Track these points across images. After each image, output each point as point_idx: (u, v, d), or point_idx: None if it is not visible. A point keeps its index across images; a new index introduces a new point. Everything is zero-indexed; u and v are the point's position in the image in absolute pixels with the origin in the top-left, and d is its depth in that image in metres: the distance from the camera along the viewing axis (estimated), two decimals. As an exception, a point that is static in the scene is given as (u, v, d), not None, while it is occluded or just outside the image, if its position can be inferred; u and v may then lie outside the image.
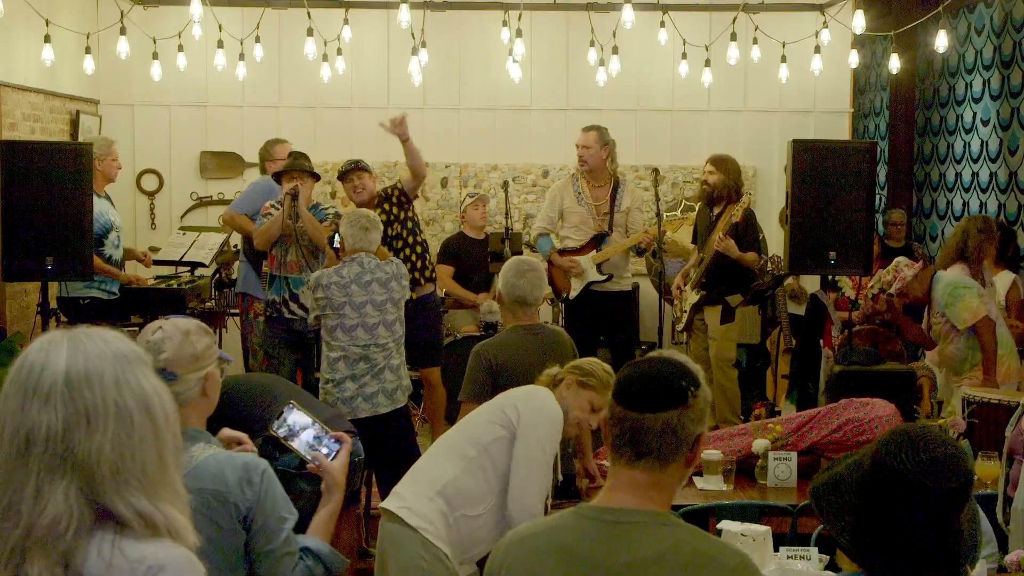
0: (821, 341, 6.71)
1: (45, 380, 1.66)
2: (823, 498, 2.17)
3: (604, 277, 7.30)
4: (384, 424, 5.53)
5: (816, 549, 3.78)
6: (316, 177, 6.71)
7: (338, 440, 2.87)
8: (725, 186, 7.27)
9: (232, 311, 7.69)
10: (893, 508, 2.04)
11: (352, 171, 6.89)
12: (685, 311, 7.47)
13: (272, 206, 6.68)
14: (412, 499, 3.72)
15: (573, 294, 7.31)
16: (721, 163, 7.35)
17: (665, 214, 8.11)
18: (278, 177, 6.62)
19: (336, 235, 6.33)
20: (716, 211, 7.33)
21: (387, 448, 5.45)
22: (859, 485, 2.10)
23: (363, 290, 5.59)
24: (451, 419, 7.04)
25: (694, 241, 7.66)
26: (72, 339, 1.71)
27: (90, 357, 1.69)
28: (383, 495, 5.40)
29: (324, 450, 2.83)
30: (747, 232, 7.29)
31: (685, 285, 7.52)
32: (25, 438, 1.64)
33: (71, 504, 1.62)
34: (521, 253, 8.41)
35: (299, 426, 2.84)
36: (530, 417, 3.75)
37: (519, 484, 3.68)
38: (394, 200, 6.90)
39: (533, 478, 3.68)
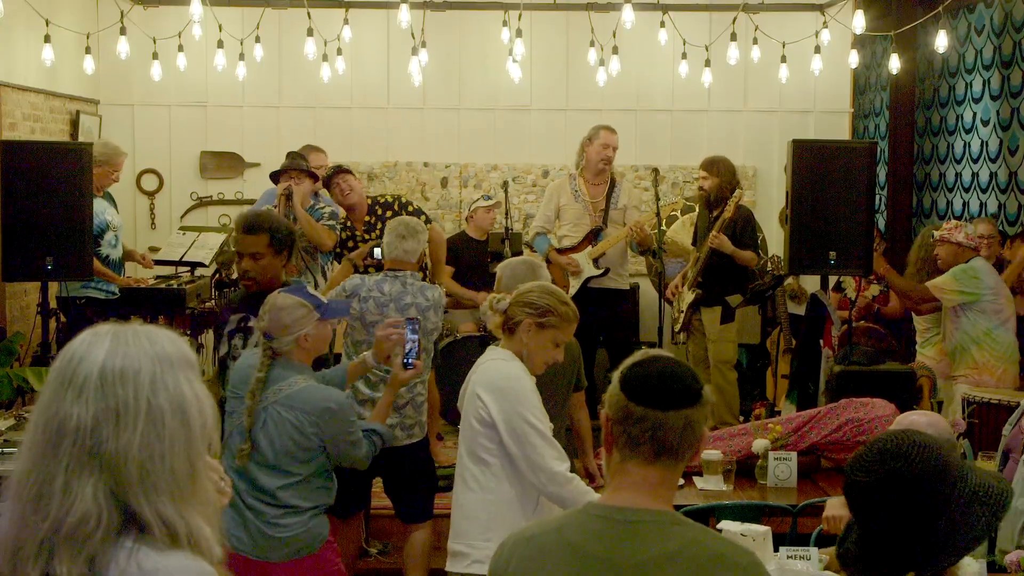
0: (821, 341, 6.72)
1: (80, 372, 1.64)
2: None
3: (600, 271, 7.31)
4: (400, 453, 5.18)
5: (816, 549, 3.78)
6: (314, 177, 6.71)
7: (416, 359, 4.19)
8: (720, 188, 7.26)
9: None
10: (852, 511, 2.21)
11: (337, 175, 6.90)
12: (682, 311, 7.47)
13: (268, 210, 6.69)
14: (477, 553, 3.58)
15: (571, 292, 7.32)
16: (712, 166, 7.33)
17: (666, 216, 8.11)
18: (275, 177, 6.62)
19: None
20: (715, 213, 7.33)
21: (403, 477, 5.18)
22: None
23: (399, 313, 5.12)
24: (448, 415, 7.05)
25: (694, 243, 7.66)
26: (116, 334, 1.69)
27: (130, 354, 1.66)
28: (398, 513, 5.37)
29: (410, 359, 4.16)
30: (745, 231, 7.28)
31: (683, 286, 7.52)
32: (56, 429, 1.62)
33: (100, 503, 1.59)
34: (521, 253, 8.42)
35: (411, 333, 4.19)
36: (503, 419, 3.56)
37: (532, 468, 3.53)
38: (398, 211, 6.91)
39: (540, 451, 3.53)
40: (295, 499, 3.86)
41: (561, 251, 7.46)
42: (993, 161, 8.67)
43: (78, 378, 1.64)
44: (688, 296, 7.40)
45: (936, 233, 6.64)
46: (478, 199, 7.93)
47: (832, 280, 7.56)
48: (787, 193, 6.64)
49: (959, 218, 9.02)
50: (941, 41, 7.65)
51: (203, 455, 1.70)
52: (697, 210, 7.76)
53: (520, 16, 7.87)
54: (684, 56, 8.35)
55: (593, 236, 7.37)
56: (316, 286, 6.64)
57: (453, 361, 7.03)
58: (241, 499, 3.86)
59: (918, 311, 6.85)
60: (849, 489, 2.14)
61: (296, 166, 6.61)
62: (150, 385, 1.65)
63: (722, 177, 7.27)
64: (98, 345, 1.66)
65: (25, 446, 1.66)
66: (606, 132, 7.39)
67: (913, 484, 2.06)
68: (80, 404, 1.62)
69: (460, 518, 3.67)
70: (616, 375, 2.14)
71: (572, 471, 5.13)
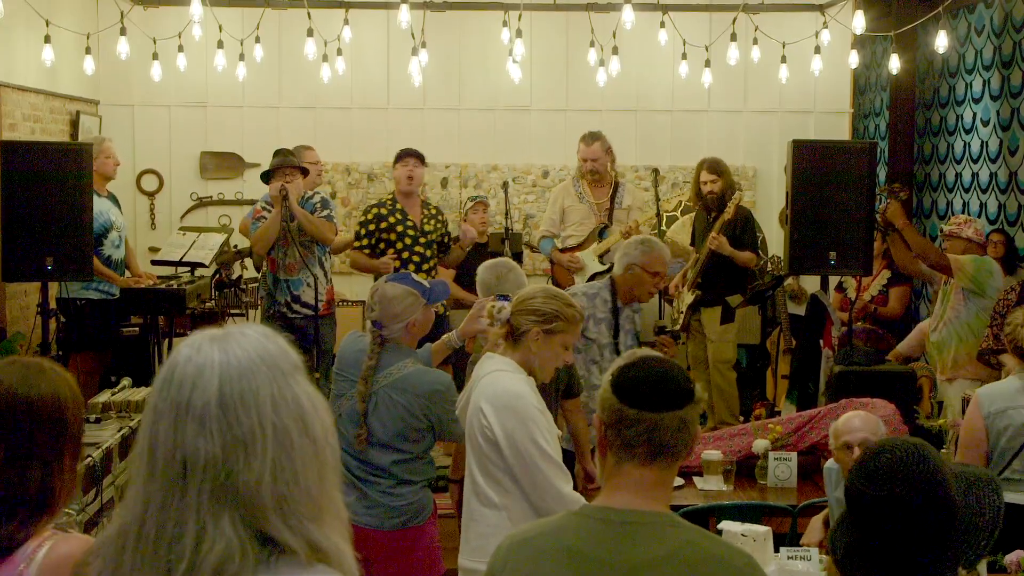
0: (821, 341, 6.71)
1: (197, 400, 1.54)
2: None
3: (605, 267, 7.32)
4: None
5: (816, 549, 3.78)
6: (304, 172, 6.71)
7: None
8: (724, 189, 7.31)
9: (232, 311, 7.70)
10: (850, 515, 2.14)
11: (408, 156, 6.91)
12: (682, 311, 7.48)
13: (263, 208, 6.68)
14: None
15: None
16: (718, 168, 7.40)
17: (665, 215, 8.13)
18: (266, 178, 6.61)
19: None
20: (713, 214, 7.34)
21: None
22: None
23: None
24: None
25: (692, 244, 7.67)
26: (224, 349, 1.58)
27: (244, 372, 1.56)
28: None
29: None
30: (744, 232, 7.30)
31: (683, 286, 7.53)
32: (182, 463, 1.53)
33: (241, 537, 1.51)
34: (521, 253, 8.42)
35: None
36: (507, 438, 3.48)
37: (536, 488, 3.47)
38: (440, 221, 6.92)
39: (544, 473, 3.46)
40: (406, 474, 4.09)
41: (565, 251, 7.47)
42: (993, 161, 8.66)
43: (196, 407, 1.54)
44: (688, 297, 7.41)
45: (945, 227, 6.63)
46: (465, 200, 7.95)
47: (834, 280, 7.57)
48: (787, 193, 6.64)
49: (959, 218, 9.02)
50: (941, 41, 7.64)
51: (329, 464, 1.60)
52: (695, 212, 7.78)
53: (520, 16, 7.86)
54: (684, 56, 8.34)
55: (598, 233, 7.38)
56: (316, 279, 6.64)
57: (454, 361, 7.03)
58: (354, 475, 4.05)
59: (918, 272, 6.73)
60: (849, 494, 2.13)
61: (287, 163, 6.60)
62: (272, 405, 1.55)
63: (726, 178, 7.35)
64: (208, 366, 1.56)
65: (140, 481, 1.55)
66: (582, 145, 7.47)
67: (913, 512, 2.06)
68: (204, 438, 1.52)
69: (475, 535, 3.57)
70: (607, 377, 2.14)
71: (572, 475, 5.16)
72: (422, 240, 6.85)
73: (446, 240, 7.02)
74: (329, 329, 6.82)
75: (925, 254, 6.42)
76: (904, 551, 2.06)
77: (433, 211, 7.02)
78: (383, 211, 6.89)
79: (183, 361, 1.58)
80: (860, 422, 3.93)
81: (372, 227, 6.87)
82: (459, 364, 5.17)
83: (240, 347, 1.59)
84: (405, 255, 6.80)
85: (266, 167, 6.76)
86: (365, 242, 6.89)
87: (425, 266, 6.80)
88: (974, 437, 4.37)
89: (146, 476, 1.55)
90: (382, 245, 6.86)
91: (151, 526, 1.52)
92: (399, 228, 6.82)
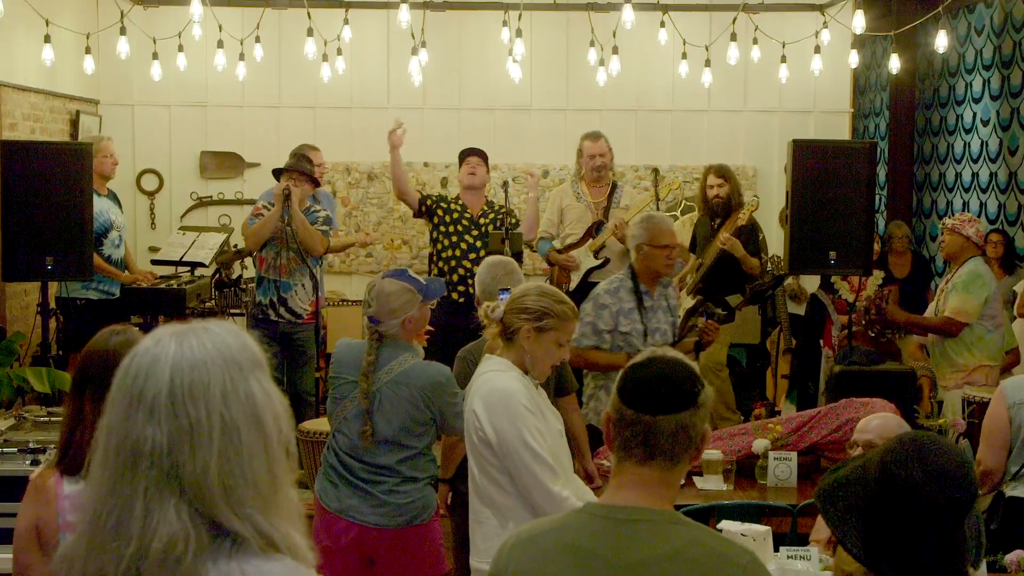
0: (821, 341, 6.72)
1: (149, 390, 1.57)
2: (828, 501, 2.18)
3: (600, 261, 7.31)
4: None
5: (816, 549, 3.77)
6: (315, 183, 6.71)
7: None
8: (730, 193, 7.30)
9: (232, 311, 7.69)
10: (901, 515, 2.07)
11: (471, 155, 6.97)
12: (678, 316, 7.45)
13: (264, 207, 6.69)
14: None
15: (572, 285, 7.32)
16: (725, 172, 7.38)
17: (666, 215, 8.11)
18: (278, 174, 6.62)
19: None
20: (717, 221, 7.32)
21: None
22: (866, 491, 2.13)
23: None
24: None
25: (691, 249, 7.63)
26: (180, 342, 1.60)
27: (197, 365, 1.58)
28: None
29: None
30: (749, 241, 7.28)
31: (680, 290, 7.50)
32: (131, 451, 1.56)
33: (185, 524, 1.53)
34: (521, 253, 8.40)
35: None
36: (497, 437, 3.47)
37: (527, 488, 3.46)
38: (499, 222, 6.91)
39: (533, 472, 3.45)
40: (411, 471, 4.09)
41: (563, 250, 7.47)
42: (993, 161, 8.67)
43: (147, 397, 1.56)
44: (688, 301, 7.38)
45: (948, 221, 6.62)
46: None
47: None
48: (787, 193, 6.64)
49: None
50: (941, 41, 7.64)
51: (282, 461, 1.63)
52: (698, 214, 7.75)
53: (520, 16, 7.86)
54: (684, 56, 8.34)
55: (595, 229, 7.38)
56: (315, 287, 6.64)
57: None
58: (359, 477, 4.05)
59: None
60: (950, 512, 2.08)
61: (300, 168, 6.61)
62: (222, 398, 1.58)
63: (733, 183, 7.34)
64: (162, 356, 1.59)
65: (96, 468, 1.59)
66: (588, 142, 7.41)
67: (967, 509, 2.07)
68: (153, 425, 1.55)
69: (480, 536, 3.58)
70: (619, 374, 2.14)
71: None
72: (474, 231, 6.90)
73: (505, 226, 7.03)
74: (310, 337, 6.80)
75: (943, 330, 6.47)
76: (928, 550, 2.06)
77: (497, 207, 7.02)
78: (446, 195, 7.17)
79: (141, 352, 1.61)
80: (878, 423, 3.90)
81: (432, 201, 7.00)
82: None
83: (198, 341, 1.62)
84: (455, 238, 6.88)
85: (266, 166, 6.77)
86: (420, 202, 7.02)
87: (472, 255, 6.85)
88: (997, 429, 4.26)
89: (101, 463, 1.59)
90: (435, 219, 6.96)
91: (103, 512, 1.56)
92: (455, 214, 6.93)
